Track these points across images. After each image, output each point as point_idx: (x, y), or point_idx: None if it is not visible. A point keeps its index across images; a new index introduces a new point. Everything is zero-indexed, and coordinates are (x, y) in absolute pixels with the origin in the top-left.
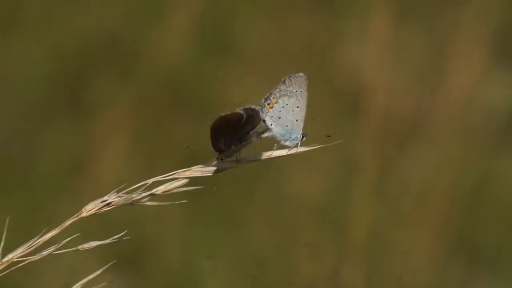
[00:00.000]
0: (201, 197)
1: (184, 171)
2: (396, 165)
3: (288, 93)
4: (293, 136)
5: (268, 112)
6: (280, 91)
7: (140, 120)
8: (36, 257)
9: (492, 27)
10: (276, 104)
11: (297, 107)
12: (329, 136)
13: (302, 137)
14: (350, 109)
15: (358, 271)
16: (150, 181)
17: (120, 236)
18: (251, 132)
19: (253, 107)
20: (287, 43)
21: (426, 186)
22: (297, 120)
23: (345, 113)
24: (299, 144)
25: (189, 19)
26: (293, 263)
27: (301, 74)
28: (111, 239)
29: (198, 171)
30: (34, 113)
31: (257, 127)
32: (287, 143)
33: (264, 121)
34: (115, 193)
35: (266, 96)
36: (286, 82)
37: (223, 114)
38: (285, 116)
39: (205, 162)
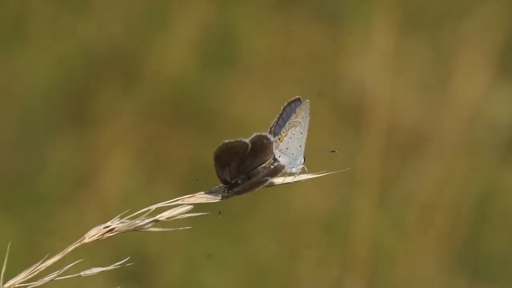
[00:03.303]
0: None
1: (188, 197)
2: (400, 178)
3: (296, 123)
4: (298, 162)
5: (278, 146)
6: (290, 123)
7: (143, 132)
8: (38, 283)
9: (496, 39)
10: (286, 136)
11: (301, 133)
12: (334, 151)
13: (304, 159)
14: (353, 122)
15: (362, 283)
16: (153, 207)
17: (123, 263)
18: (259, 168)
19: (268, 136)
20: (290, 55)
21: (430, 199)
22: (300, 146)
23: (348, 126)
24: (305, 168)
25: (193, 31)
26: (297, 275)
27: (307, 101)
28: (113, 265)
29: (202, 197)
30: (38, 125)
31: (266, 162)
32: (293, 170)
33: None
34: (118, 219)
35: (271, 129)
36: (297, 111)
37: (226, 141)
38: (291, 145)
39: (209, 188)
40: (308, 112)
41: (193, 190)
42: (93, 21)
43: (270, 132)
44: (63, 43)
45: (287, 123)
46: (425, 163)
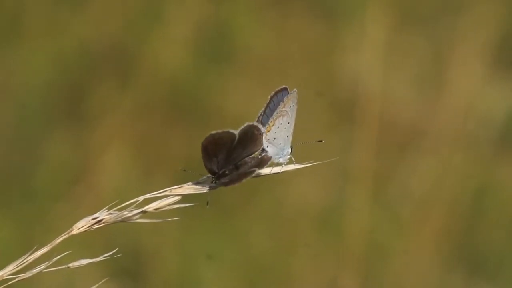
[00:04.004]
0: (198, 206)
1: (176, 188)
2: (395, 174)
3: (283, 113)
4: (285, 152)
5: (265, 136)
6: (277, 113)
7: (140, 129)
8: (27, 274)
9: (491, 35)
10: (273, 126)
11: (288, 123)
12: (322, 141)
13: (291, 149)
14: (349, 118)
15: (357, 279)
16: (141, 198)
17: (111, 254)
18: (247, 158)
19: (259, 127)
20: (287, 51)
21: (425, 195)
22: (288, 136)
23: (343, 121)
24: (292, 158)
25: (189, 27)
26: (292, 271)
27: (294, 90)
28: (102, 257)
29: (190, 188)
30: (34, 123)
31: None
32: (280, 160)
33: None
34: (106, 210)
35: (259, 119)
36: (284, 101)
37: (213, 132)
38: (279, 135)
39: (197, 179)
40: (296, 101)
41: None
42: (89, 19)
43: (261, 122)
44: (59, 41)
45: (274, 113)
46: (421, 159)
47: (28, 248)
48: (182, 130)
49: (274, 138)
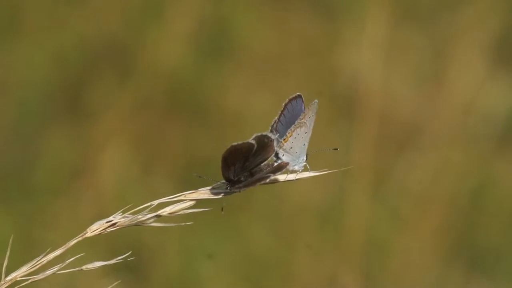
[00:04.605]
0: (200, 204)
1: (190, 193)
2: (395, 170)
3: (301, 124)
4: (300, 159)
5: (282, 146)
6: (296, 124)
7: (139, 124)
8: (40, 276)
9: (491, 31)
10: (291, 137)
11: (305, 133)
12: (337, 149)
13: (306, 157)
14: (349, 114)
15: (357, 276)
16: (155, 202)
17: (125, 257)
18: (262, 165)
19: (269, 135)
20: (286, 47)
21: (425, 191)
22: (304, 145)
23: (342, 117)
24: (307, 166)
25: (189, 23)
26: (292, 268)
27: (315, 101)
28: (115, 259)
29: (204, 193)
30: (34, 118)
31: (268, 159)
32: (295, 167)
33: (276, 153)
34: (120, 214)
35: (273, 126)
36: (305, 112)
37: (235, 144)
38: (295, 144)
39: (211, 184)
40: (315, 111)
41: (188, 183)
42: (89, 14)
43: (271, 130)
44: (59, 36)
45: (295, 123)
46: (420, 155)
47: (27, 244)
48: (181, 126)
49: (291, 148)
